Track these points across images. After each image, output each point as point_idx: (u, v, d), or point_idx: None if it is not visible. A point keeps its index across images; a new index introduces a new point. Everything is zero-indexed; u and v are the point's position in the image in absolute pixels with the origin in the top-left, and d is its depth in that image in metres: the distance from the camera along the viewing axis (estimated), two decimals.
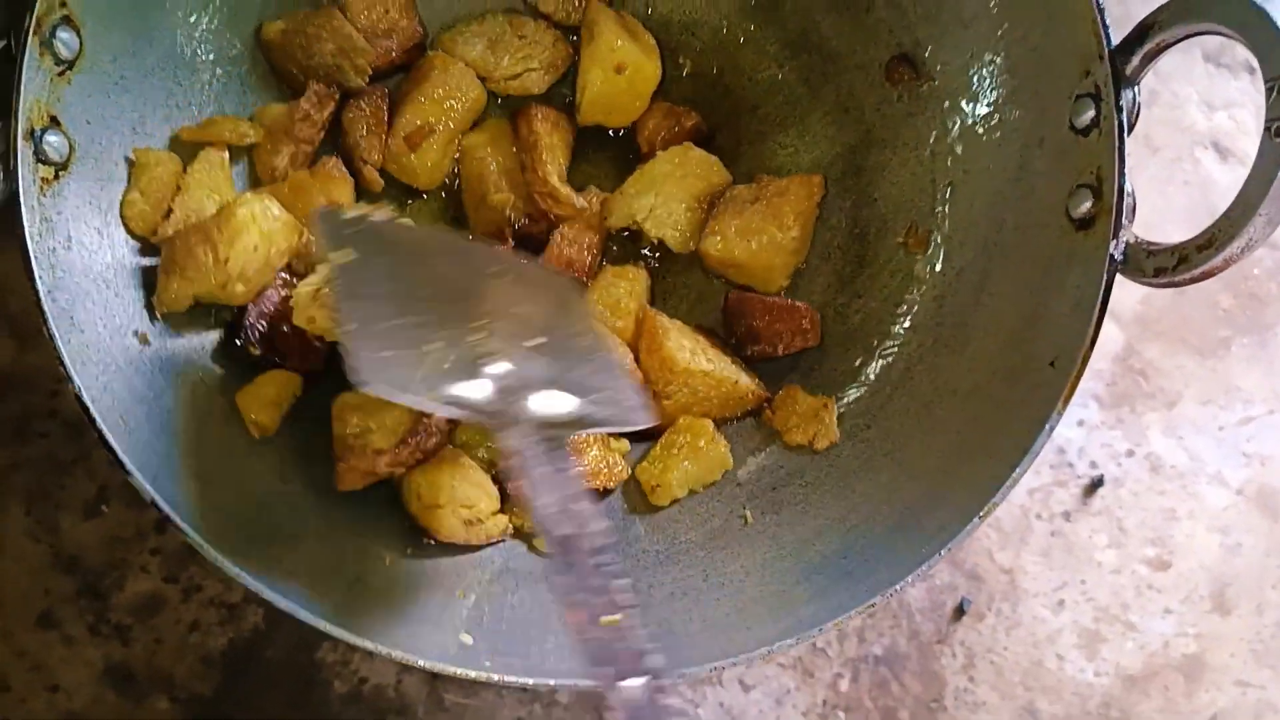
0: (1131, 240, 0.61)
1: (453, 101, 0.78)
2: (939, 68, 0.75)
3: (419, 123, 0.78)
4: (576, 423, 0.66)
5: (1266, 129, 0.53)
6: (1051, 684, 0.85)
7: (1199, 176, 0.99)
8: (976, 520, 0.60)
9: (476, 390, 0.63)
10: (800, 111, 0.80)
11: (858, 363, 0.78)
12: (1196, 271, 0.55)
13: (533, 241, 0.79)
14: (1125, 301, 0.94)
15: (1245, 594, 0.89)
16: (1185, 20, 0.57)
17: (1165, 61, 1.11)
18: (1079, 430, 0.90)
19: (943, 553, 0.60)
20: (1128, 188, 0.61)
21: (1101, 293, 0.60)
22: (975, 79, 0.73)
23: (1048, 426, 0.60)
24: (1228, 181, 0.99)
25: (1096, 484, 0.88)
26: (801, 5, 0.81)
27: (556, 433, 0.63)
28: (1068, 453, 0.90)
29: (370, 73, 0.78)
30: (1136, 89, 0.61)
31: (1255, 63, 0.55)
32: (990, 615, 0.87)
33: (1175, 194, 0.99)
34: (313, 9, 0.77)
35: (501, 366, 0.65)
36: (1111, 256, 0.60)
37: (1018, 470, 0.60)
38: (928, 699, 0.84)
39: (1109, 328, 0.98)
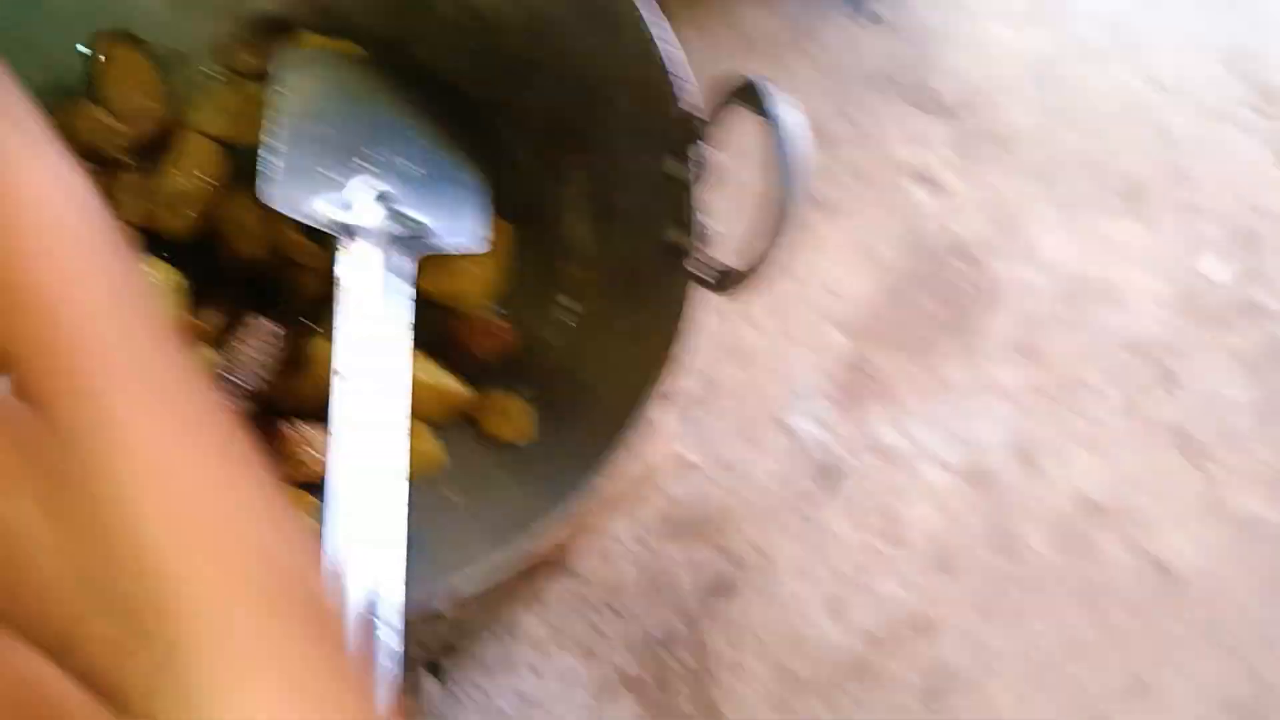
0: (708, 261, 0.79)
1: (201, 170, 0.92)
2: (590, 133, 0.93)
3: (174, 189, 0.91)
4: (419, 241, 0.79)
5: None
6: (808, 649, 0.98)
7: (909, 203, 1.15)
8: (596, 477, 0.77)
9: (345, 214, 0.76)
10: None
11: (546, 368, 0.94)
12: (736, 283, 0.73)
13: (274, 281, 0.93)
14: (853, 314, 1.09)
15: (965, 558, 1.03)
16: (733, 101, 0.75)
17: (871, 103, 1.29)
18: (817, 426, 1.05)
19: (572, 511, 0.77)
20: (709, 221, 0.79)
21: (683, 302, 0.78)
22: (616, 143, 0.90)
23: (644, 413, 0.77)
24: (932, 207, 1.16)
25: (834, 471, 1.03)
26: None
27: (399, 249, 0.76)
28: (809, 446, 1.04)
29: (127, 147, 0.92)
30: (711, 145, 0.79)
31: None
32: (750, 592, 0.99)
33: (885, 219, 1.15)
34: (71, 101, 0.91)
35: (371, 195, 0.78)
36: (689, 272, 0.78)
37: (618, 445, 0.77)
38: (700, 669, 0.96)
39: (838, 337, 1.12)
